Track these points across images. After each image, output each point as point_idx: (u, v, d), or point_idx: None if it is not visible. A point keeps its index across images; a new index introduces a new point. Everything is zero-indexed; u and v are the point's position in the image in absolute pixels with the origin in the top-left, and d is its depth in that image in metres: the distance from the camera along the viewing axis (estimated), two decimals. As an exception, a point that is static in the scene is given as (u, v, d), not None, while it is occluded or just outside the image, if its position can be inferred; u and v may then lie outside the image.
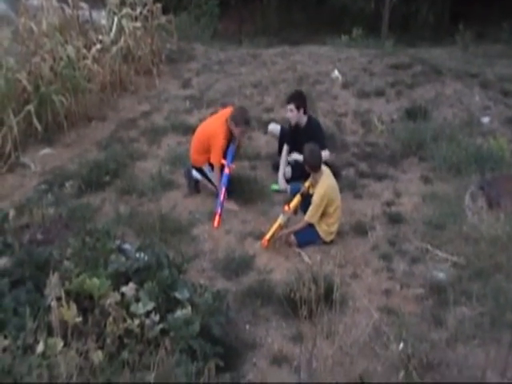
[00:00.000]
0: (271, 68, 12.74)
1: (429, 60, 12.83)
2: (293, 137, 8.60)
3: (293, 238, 7.22)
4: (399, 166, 9.13)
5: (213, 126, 8.04)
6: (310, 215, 7.11)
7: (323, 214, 7.16)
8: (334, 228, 7.25)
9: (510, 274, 6.19)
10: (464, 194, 7.79)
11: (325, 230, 7.21)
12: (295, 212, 7.49)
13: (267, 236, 7.19)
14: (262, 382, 5.14)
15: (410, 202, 8.10)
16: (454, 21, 19.36)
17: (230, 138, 8.03)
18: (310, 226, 7.20)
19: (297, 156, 8.37)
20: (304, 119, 8.50)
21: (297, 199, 7.44)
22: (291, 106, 8.40)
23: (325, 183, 7.16)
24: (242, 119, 7.91)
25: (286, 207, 7.38)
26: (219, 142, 7.86)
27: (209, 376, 4.37)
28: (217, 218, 7.68)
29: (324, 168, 7.30)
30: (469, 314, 5.80)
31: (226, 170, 7.99)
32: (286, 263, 6.89)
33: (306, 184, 7.45)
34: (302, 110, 8.42)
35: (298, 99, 8.47)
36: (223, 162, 7.98)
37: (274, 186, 8.55)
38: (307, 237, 7.24)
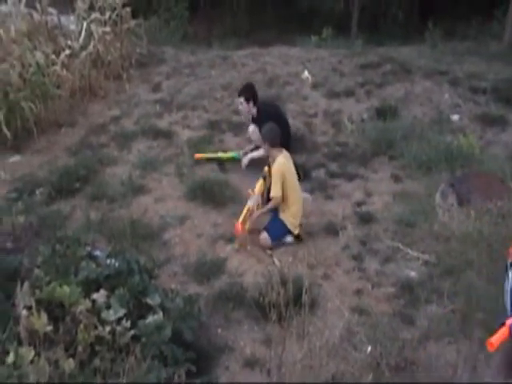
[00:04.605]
0: (241, 70, 12.77)
1: (398, 59, 12.87)
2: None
3: (266, 236, 7.25)
4: (370, 166, 9.16)
5: None
6: (274, 191, 7.22)
7: (285, 202, 7.27)
8: (298, 219, 7.36)
9: (481, 270, 6.22)
10: (434, 191, 7.82)
11: (292, 222, 7.29)
12: (262, 195, 7.55)
13: (240, 220, 7.30)
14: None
15: (381, 201, 8.14)
16: (423, 19, 19.46)
17: None
18: (279, 219, 7.32)
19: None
20: (254, 110, 8.82)
21: (260, 183, 7.56)
22: (241, 99, 8.79)
23: (280, 160, 7.27)
24: None
25: (250, 191, 7.55)
26: None
27: (179, 381, 4.38)
28: None
29: (284, 151, 7.43)
30: (440, 312, 5.84)
31: None
32: (257, 266, 6.89)
33: (266, 168, 7.55)
34: (251, 103, 8.76)
35: (248, 92, 8.82)
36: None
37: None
38: (278, 231, 7.31)
